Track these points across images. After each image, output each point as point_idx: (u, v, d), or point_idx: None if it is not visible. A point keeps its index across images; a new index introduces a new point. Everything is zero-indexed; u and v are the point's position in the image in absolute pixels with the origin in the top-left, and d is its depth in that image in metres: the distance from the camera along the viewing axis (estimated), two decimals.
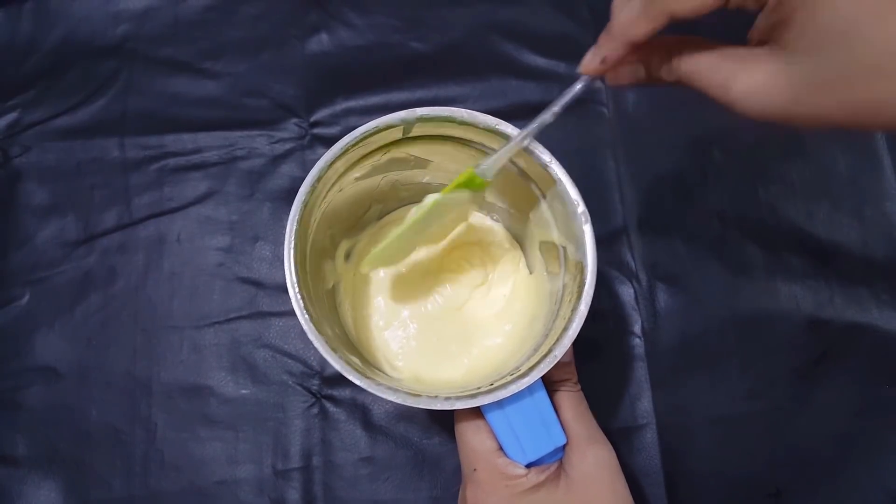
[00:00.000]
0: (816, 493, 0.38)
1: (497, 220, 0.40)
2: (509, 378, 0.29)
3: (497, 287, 0.38)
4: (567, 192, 0.30)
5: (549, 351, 0.29)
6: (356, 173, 0.33)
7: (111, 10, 0.48)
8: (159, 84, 0.46)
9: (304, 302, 0.29)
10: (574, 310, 0.29)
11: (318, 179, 0.30)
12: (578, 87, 0.27)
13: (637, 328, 0.41)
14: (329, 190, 0.32)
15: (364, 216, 0.39)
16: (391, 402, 0.40)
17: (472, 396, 0.28)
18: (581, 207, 0.30)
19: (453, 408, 0.28)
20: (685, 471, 0.39)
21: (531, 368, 0.29)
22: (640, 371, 0.40)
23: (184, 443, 0.39)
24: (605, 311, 0.42)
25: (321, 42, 0.47)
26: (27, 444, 0.39)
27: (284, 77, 0.46)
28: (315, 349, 0.41)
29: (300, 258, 0.30)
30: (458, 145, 0.33)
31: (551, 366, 0.28)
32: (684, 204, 0.43)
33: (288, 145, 0.45)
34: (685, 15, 0.23)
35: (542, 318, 0.34)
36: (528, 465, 0.30)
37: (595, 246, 0.30)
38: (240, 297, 0.42)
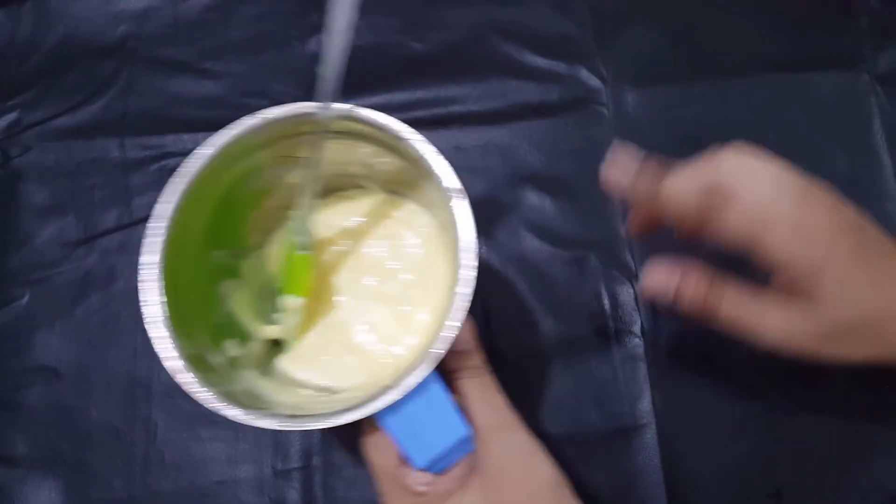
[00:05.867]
0: (816, 493, 0.38)
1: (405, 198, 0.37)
2: (392, 383, 0.26)
3: (405, 273, 0.35)
4: (431, 168, 0.27)
5: (429, 346, 0.26)
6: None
7: (111, 10, 0.48)
8: (159, 84, 0.46)
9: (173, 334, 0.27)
10: (452, 302, 0.26)
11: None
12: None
13: (637, 328, 0.41)
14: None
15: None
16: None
17: (337, 413, 0.25)
18: (448, 182, 0.26)
19: (303, 428, 0.26)
20: (685, 471, 0.39)
21: (413, 369, 0.26)
22: (640, 371, 0.40)
23: (184, 443, 0.39)
24: (605, 311, 0.42)
25: (321, 42, 0.47)
26: (27, 444, 0.39)
27: (284, 77, 0.46)
28: None
29: (170, 286, 0.28)
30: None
31: (436, 363, 0.26)
32: None
33: None
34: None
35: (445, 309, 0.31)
36: (439, 468, 0.27)
37: (471, 224, 0.26)
38: None
